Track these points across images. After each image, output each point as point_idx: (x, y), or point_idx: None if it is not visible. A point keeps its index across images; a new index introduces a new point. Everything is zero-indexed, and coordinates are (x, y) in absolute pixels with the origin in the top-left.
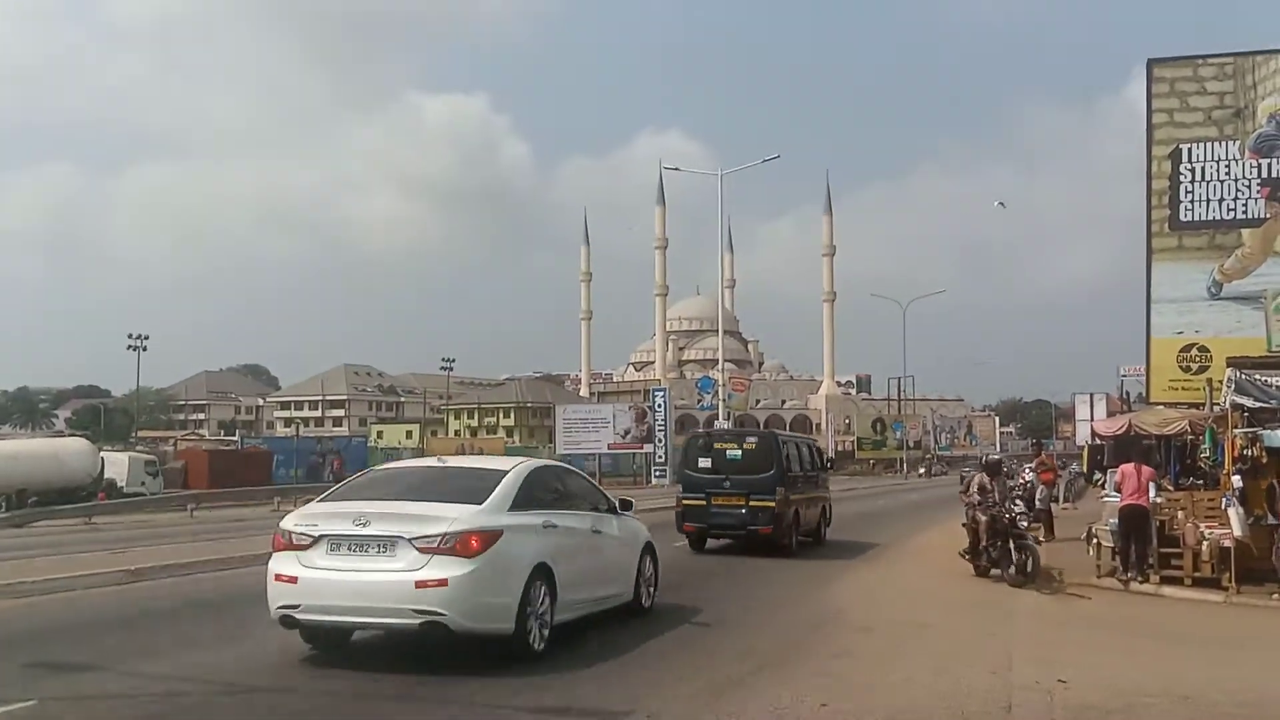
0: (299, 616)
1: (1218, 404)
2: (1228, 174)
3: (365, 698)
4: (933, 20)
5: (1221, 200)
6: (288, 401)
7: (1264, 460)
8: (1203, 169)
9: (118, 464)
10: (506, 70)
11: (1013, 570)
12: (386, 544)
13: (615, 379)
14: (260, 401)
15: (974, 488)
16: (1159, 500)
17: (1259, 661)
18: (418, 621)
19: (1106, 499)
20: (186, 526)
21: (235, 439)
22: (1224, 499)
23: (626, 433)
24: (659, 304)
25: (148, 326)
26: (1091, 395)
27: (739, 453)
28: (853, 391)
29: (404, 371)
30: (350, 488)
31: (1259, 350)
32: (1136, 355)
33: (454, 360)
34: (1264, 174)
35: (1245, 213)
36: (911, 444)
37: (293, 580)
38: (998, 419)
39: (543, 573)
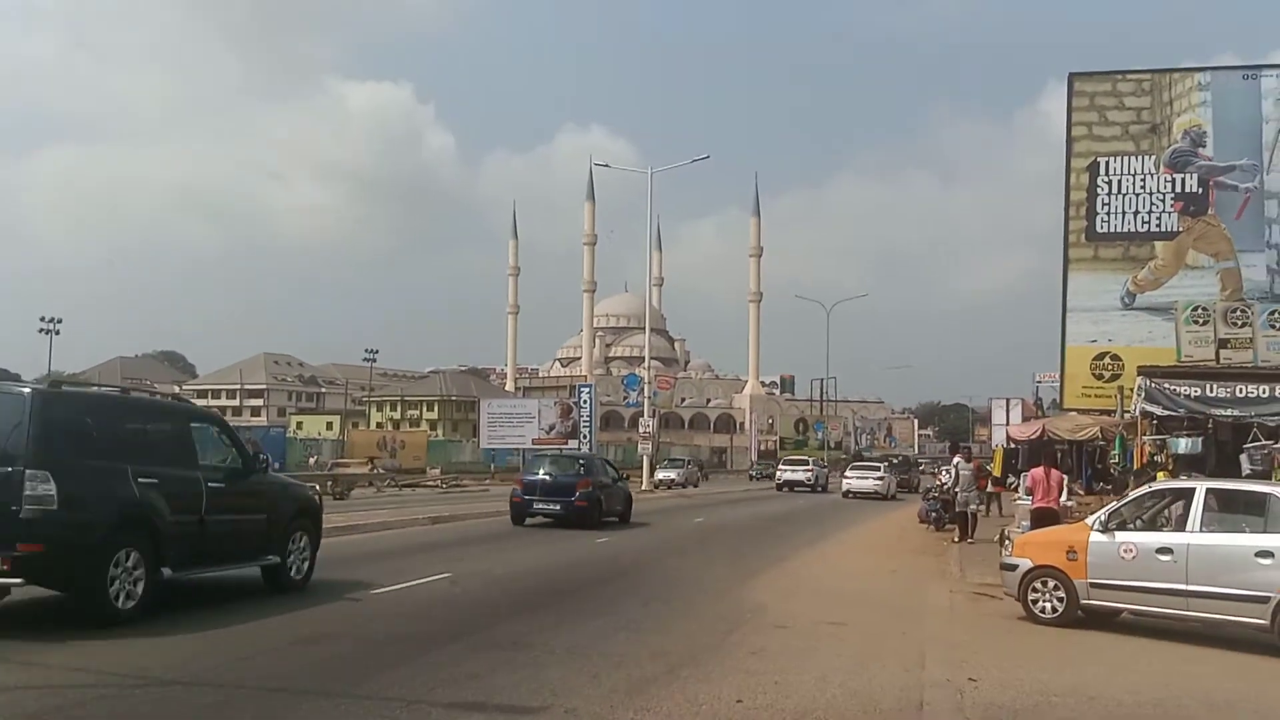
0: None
1: (1128, 411)
2: (1143, 188)
3: (277, 692)
4: (852, 30)
5: (1137, 213)
6: (205, 390)
7: (1170, 466)
8: (1119, 182)
9: None
10: (430, 60)
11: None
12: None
13: (541, 374)
14: (176, 389)
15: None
16: (1070, 504)
17: (1163, 662)
18: None
19: (1019, 502)
20: None
21: None
22: None
23: (551, 428)
24: (586, 300)
25: (61, 310)
26: (1008, 400)
27: None
28: (777, 392)
29: (326, 362)
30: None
31: (1169, 360)
32: (1052, 362)
33: (377, 352)
34: (1178, 189)
35: (1159, 226)
36: (833, 444)
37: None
38: (916, 421)
39: None
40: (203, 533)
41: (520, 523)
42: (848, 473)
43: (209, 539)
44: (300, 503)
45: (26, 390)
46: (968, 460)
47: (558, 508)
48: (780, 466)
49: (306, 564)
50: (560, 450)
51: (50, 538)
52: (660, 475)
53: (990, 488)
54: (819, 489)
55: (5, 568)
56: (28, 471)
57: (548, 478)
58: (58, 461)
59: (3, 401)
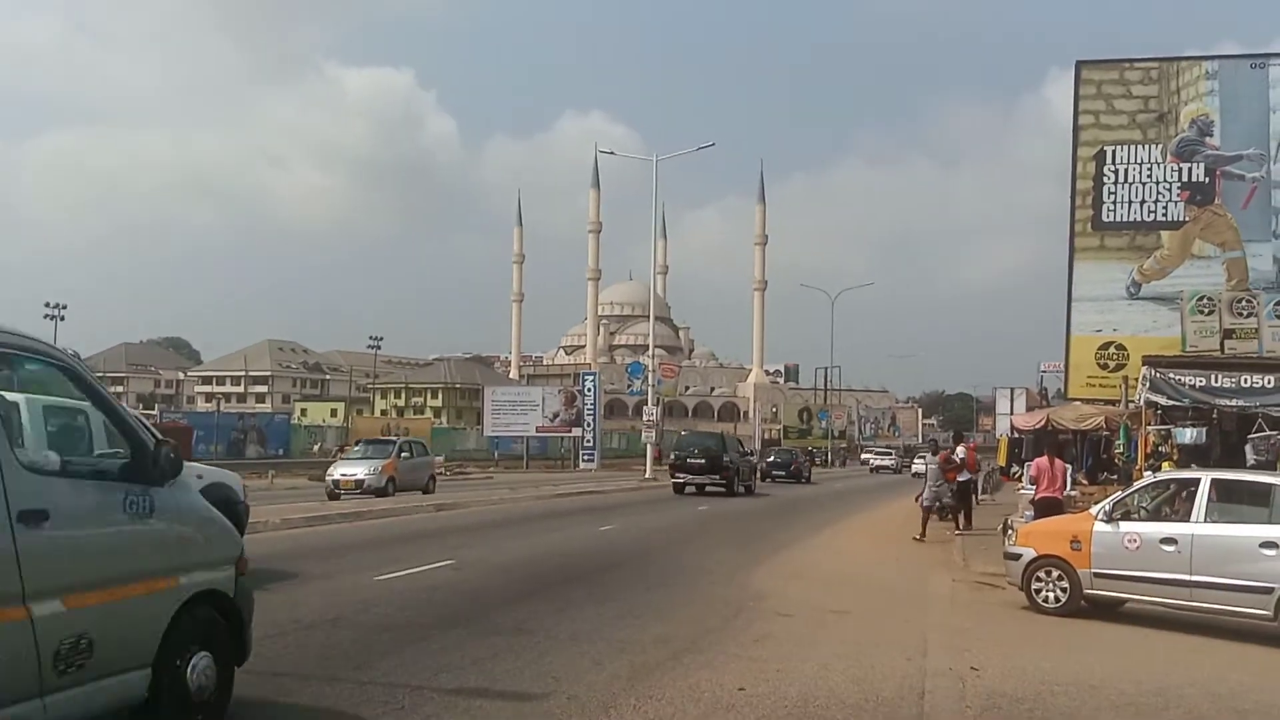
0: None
1: (1133, 401)
2: (1149, 177)
3: (279, 675)
4: (853, 14)
5: (1143, 202)
6: (210, 376)
7: (1176, 457)
8: (1125, 171)
9: None
10: (431, 46)
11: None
12: None
13: (545, 362)
14: (181, 375)
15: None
16: (1074, 493)
17: (1166, 652)
18: None
19: (1023, 491)
20: None
21: (154, 413)
22: None
23: (555, 416)
24: (591, 288)
25: (66, 296)
26: (1012, 390)
27: None
28: (780, 380)
29: (330, 349)
30: None
31: (1174, 350)
32: (1056, 351)
33: (382, 339)
34: (1184, 178)
35: (1165, 215)
36: (837, 433)
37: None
38: (920, 411)
39: None
40: (741, 472)
41: (764, 480)
42: (914, 460)
43: (740, 474)
44: (755, 464)
45: (719, 433)
46: (934, 453)
47: (784, 474)
48: (872, 455)
49: (755, 487)
50: (784, 446)
51: (729, 473)
52: (339, 472)
53: (960, 479)
54: (897, 470)
55: (721, 479)
56: (724, 454)
57: (779, 460)
58: (729, 451)
59: (715, 437)
